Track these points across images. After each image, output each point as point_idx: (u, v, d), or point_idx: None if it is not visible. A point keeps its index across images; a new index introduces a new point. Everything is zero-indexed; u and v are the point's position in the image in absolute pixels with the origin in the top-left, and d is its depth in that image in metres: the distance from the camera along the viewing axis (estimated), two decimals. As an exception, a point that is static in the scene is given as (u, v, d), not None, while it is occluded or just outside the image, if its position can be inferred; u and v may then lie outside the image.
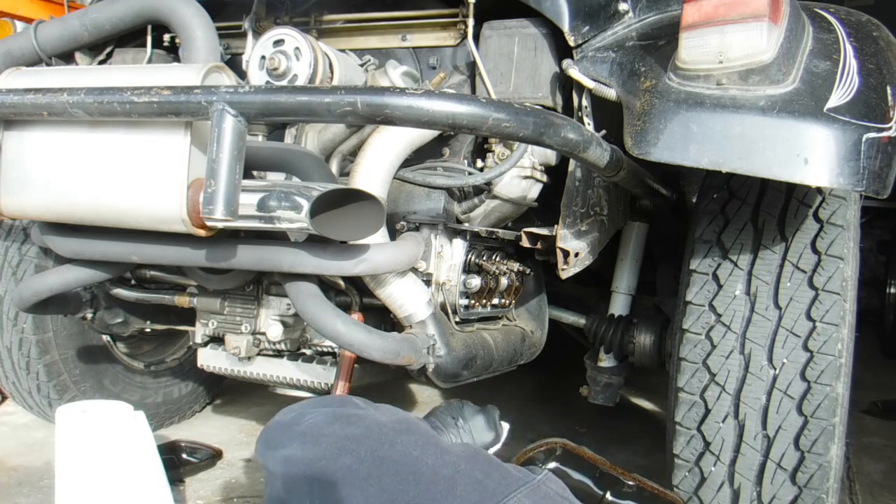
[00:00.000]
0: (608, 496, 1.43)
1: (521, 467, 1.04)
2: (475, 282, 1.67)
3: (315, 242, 1.42)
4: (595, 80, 1.55)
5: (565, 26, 1.58)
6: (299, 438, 1.02)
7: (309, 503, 0.94)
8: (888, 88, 1.35)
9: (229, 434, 2.57)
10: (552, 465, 1.47)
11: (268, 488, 1.04)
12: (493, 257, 1.78)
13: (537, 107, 1.17)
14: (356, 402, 1.13)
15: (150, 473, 1.67)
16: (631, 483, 1.46)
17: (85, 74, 1.50)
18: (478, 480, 0.94)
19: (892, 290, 4.75)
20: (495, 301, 1.84)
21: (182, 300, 1.82)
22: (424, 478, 0.92)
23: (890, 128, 1.30)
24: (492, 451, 1.48)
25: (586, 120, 1.59)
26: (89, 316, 1.96)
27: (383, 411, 1.15)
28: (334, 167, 1.60)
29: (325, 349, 1.74)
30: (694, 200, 2.00)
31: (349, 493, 0.91)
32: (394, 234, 1.57)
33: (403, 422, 1.05)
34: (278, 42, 1.55)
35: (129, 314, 2.04)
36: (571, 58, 1.59)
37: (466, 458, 0.98)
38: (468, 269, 1.69)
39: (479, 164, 1.70)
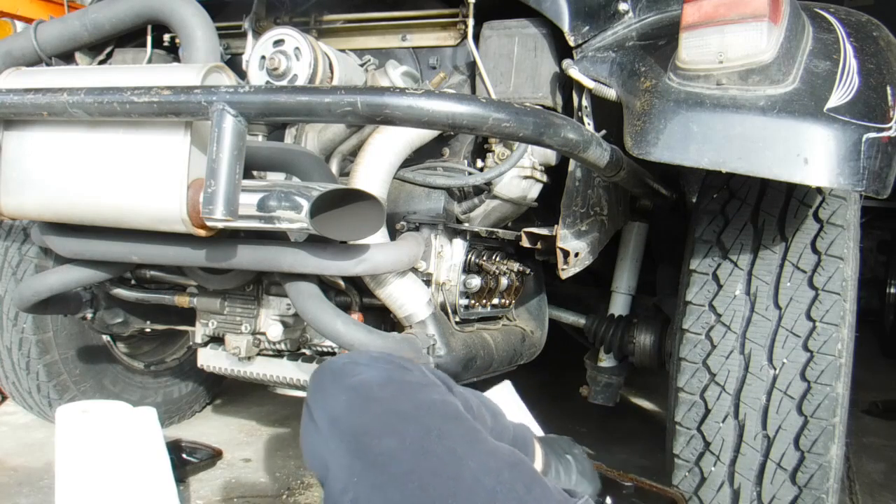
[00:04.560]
0: (608, 500, 1.44)
1: (562, 489, 0.98)
2: (475, 282, 1.67)
3: (315, 242, 1.42)
4: (595, 80, 1.55)
5: (565, 26, 1.58)
6: (347, 394, 0.97)
7: (347, 476, 0.90)
8: (888, 88, 1.35)
9: (229, 434, 2.57)
10: None
11: (311, 437, 0.99)
12: (493, 257, 1.78)
13: (537, 107, 1.17)
14: (410, 368, 1.06)
15: (155, 472, 1.67)
16: (629, 483, 1.47)
17: (85, 74, 1.50)
18: (518, 497, 0.88)
19: (892, 290, 4.75)
20: (495, 301, 1.84)
21: (182, 300, 1.82)
22: (465, 485, 0.86)
23: (890, 128, 1.30)
24: None
25: (586, 120, 1.59)
26: (89, 316, 1.96)
27: (435, 383, 1.07)
28: (334, 167, 1.60)
29: (325, 349, 1.74)
30: (694, 200, 2.00)
31: (388, 482, 0.87)
32: (394, 234, 1.57)
33: (451, 405, 0.99)
34: (278, 42, 1.55)
35: (129, 314, 2.04)
36: (571, 58, 1.59)
37: (510, 465, 0.92)
38: (468, 269, 1.69)
39: (479, 164, 1.70)
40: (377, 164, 1.49)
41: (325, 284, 1.59)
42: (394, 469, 0.87)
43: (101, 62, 1.88)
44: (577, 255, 1.56)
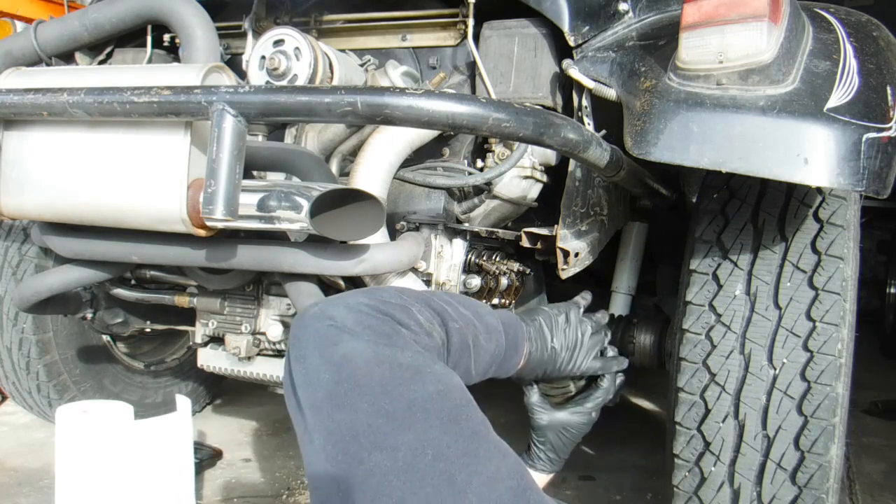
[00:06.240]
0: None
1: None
2: (475, 282, 1.67)
3: (315, 242, 1.42)
4: (595, 80, 1.55)
5: (565, 26, 1.58)
6: (330, 374, 0.82)
7: (328, 494, 0.76)
8: (888, 88, 1.35)
9: (229, 434, 2.57)
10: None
11: (294, 416, 0.83)
12: (493, 257, 1.78)
13: (537, 107, 1.17)
14: (400, 336, 0.89)
15: (155, 472, 1.67)
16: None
17: (85, 74, 1.50)
18: None
19: (892, 290, 4.74)
20: (495, 301, 1.84)
21: (182, 300, 1.83)
22: None
23: (890, 128, 1.30)
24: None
25: (586, 120, 1.59)
26: (89, 316, 1.96)
27: (429, 361, 0.89)
28: (334, 167, 1.60)
29: (325, 349, 1.73)
30: (694, 200, 2.00)
31: None
32: (394, 234, 1.57)
33: (447, 398, 0.82)
34: (278, 42, 1.55)
35: (129, 314, 2.04)
36: (571, 58, 1.59)
37: (514, 494, 0.78)
38: (468, 269, 1.69)
39: (479, 164, 1.70)
40: (377, 164, 1.49)
41: (325, 284, 1.59)
42: (383, 500, 0.73)
43: (101, 62, 1.88)
44: (577, 255, 1.56)
